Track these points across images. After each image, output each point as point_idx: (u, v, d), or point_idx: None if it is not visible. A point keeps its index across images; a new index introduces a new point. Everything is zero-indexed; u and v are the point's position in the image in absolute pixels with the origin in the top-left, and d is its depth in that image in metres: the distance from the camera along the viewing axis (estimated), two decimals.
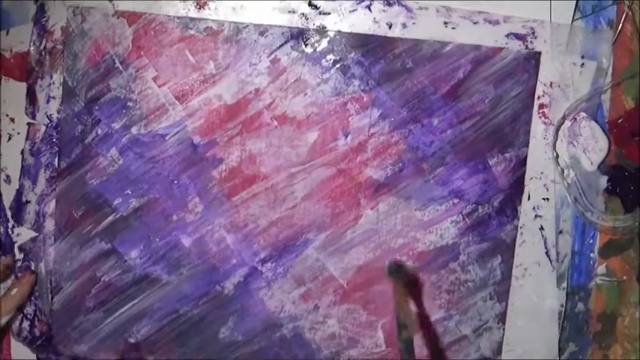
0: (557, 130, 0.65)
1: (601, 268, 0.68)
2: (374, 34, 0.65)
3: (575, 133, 0.65)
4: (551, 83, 0.65)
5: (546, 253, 0.67)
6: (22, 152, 0.67)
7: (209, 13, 0.66)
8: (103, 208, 0.67)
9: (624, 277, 0.68)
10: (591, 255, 0.68)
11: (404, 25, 0.65)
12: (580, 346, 0.69)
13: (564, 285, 0.67)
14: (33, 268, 0.68)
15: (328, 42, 0.65)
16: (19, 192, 0.68)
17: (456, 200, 0.66)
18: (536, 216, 0.67)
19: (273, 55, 0.66)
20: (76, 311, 0.69)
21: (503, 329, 0.68)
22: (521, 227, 0.67)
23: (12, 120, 0.67)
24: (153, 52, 0.66)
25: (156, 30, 0.66)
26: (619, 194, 0.67)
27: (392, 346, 0.69)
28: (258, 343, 0.69)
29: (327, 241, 0.67)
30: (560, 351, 0.68)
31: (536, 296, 0.67)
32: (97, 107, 0.66)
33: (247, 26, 0.65)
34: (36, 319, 0.69)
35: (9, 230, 0.68)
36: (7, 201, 0.68)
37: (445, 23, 0.65)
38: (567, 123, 0.65)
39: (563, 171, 0.66)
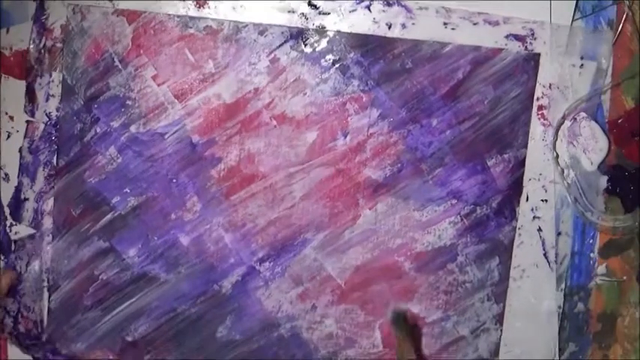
0: (557, 130, 0.65)
1: (601, 268, 0.68)
2: (373, 34, 0.65)
3: (575, 133, 0.65)
4: (550, 85, 0.65)
5: (544, 254, 0.67)
6: (21, 150, 0.67)
7: (209, 12, 0.66)
8: (102, 206, 0.67)
9: (624, 277, 0.68)
10: (591, 255, 0.68)
11: (403, 26, 0.65)
12: (580, 346, 0.69)
13: (563, 286, 0.67)
14: (29, 265, 0.69)
15: (328, 42, 0.65)
16: (18, 189, 0.68)
17: (454, 201, 0.66)
18: (534, 217, 0.66)
19: (272, 55, 0.65)
20: (74, 309, 0.69)
21: (501, 330, 0.68)
22: (519, 228, 0.67)
23: (11, 118, 0.67)
24: (152, 50, 0.66)
25: (155, 29, 0.66)
26: (619, 194, 0.66)
27: (389, 347, 0.69)
28: (255, 343, 0.69)
29: (325, 241, 0.67)
30: (560, 351, 0.68)
31: (533, 297, 0.67)
32: (96, 105, 0.66)
33: (247, 25, 0.65)
34: (20, 315, 0.69)
35: (7, 228, 0.68)
36: (6, 199, 0.68)
37: (445, 24, 0.65)
38: (567, 123, 0.65)
39: (563, 171, 0.66)
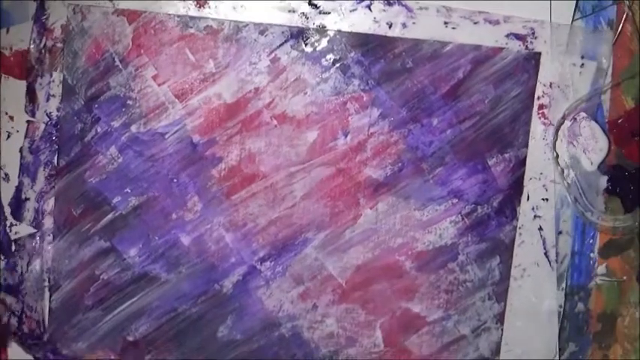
0: (557, 130, 0.65)
1: (601, 268, 0.68)
2: (374, 33, 0.65)
3: (575, 133, 0.65)
4: (550, 84, 0.65)
5: (545, 253, 0.67)
6: (21, 150, 0.67)
7: (209, 12, 0.66)
8: (102, 206, 0.67)
9: (624, 277, 0.68)
10: (591, 255, 0.68)
11: (404, 25, 0.65)
12: (580, 346, 0.69)
13: (564, 285, 0.67)
14: (30, 265, 0.69)
15: (328, 41, 0.65)
16: (18, 189, 0.68)
17: (455, 200, 0.66)
18: (535, 216, 0.66)
19: (273, 54, 0.66)
20: (75, 309, 0.69)
21: (502, 329, 0.68)
22: (520, 228, 0.67)
23: (11, 118, 0.67)
24: (153, 50, 0.66)
25: (156, 28, 0.66)
26: (619, 194, 0.66)
27: (390, 346, 0.69)
28: (256, 342, 0.69)
29: (326, 241, 0.67)
30: (560, 351, 0.68)
31: (534, 297, 0.67)
32: (96, 105, 0.66)
33: (247, 25, 0.65)
34: (24, 315, 0.69)
35: (7, 228, 0.68)
36: (6, 199, 0.68)
37: (445, 23, 0.65)
38: (567, 123, 0.65)
39: (563, 171, 0.66)
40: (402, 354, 0.69)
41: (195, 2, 0.66)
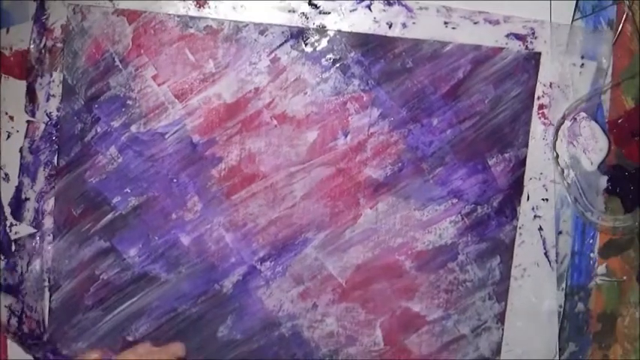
0: (557, 130, 0.65)
1: (601, 268, 0.68)
2: (374, 33, 0.65)
3: (575, 133, 0.65)
4: (550, 84, 0.65)
5: (545, 253, 0.67)
6: (21, 150, 0.67)
7: (209, 12, 0.66)
8: (102, 206, 0.67)
9: (624, 277, 0.68)
10: (591, 255, 0.68)
11: (404, 25, 0.65)
12: (580, 346, 0.69)
13: (564, 285, 0.67)
14: (30, 265, 0.69)
15: (328, 41, 0.65)
16: (18, 189, 0.68)
17: (455, 200, 0.66)
18: (535, 216, 0.67)
19: (273, 54, 0.66)
20: (75, 309, 0.69)
21: (502, 329, 0.68)
22: (520, 228, 0.67)
23: (11, 118, 0.67)
24: (152, 50, 0.66)
25: (156, 28, 0.66)
26: (619, 194, 0.66)
27: (390, 345, 0.69)
28: (256, 342, 0.69)
29: (326, 241, 0.67)
30: (560, 351, 0.68)
31: (534, 297, 0.67)
32: (96, 105, 0.66)
33: (247, 25, 0.65)
34: (24, 315, 0.69)
35: (7, 228, 0.68)
36: (6, 198, 0.68)
37: (445, 23, 0.65)
38: (567, 123, 0.65)
39: (563, 171, 0.66)
40: (401, 353, 0.69)
41: (195, 2, 0.66)
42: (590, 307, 0.69)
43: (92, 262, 0.68)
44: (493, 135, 0.66)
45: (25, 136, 0.67)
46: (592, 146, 0.65)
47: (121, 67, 0.66)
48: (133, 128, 0.66)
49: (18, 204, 0.68)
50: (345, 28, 0.65)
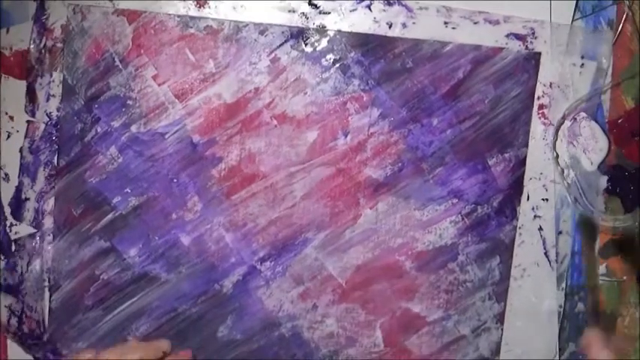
0: (557, 130, 0.65)
1: (601, 268, 0.68)
2: (374, 33, 0.65)
3: (575, 133, 0.65)
4: (550, 84, 0.65)
5: (545, 253, 0.67)
6: (21, 150, 0.67)
7: (209, 12, 0.66)
8: (102, 206, 0.67)
9: (624, 277, 0.68)
10: None
11: (404, 25, 0.65)
12: (580, 346, 0.69)
13: (564, 285, 0.67)
14: (30, 265, 0.69)
15: (328, 41, 0.65)
16: (18, 189, 0.68)
17: (455, 200, 0.66)
18: (535, 216, 0.67)
19: (273, 54, 0.66)
20: (75, 309, 0.69)
21: (502, 329, 0.68)
22: (520, 228, 0.67)
23: (11, 118, 0.67)
24: (153, 50, 0.66)
25: (156, 28, 0.66)
26: (619, 194, 0.66)
27: (390, 346, 0.69)
28: (256, 342, 0.69)
29: (326, 241, 0.67)
30: (560, 351, 0.68)
31: (534, 297, 0.67)
32: (96, 105, 0.67)
33: (247, 25, 0.65)
34: (24, 315, 0.69)
35: (7, 228, 0.68)
36: (6, 198, 0.68)
37: (445, 23, 0.65)
38: (567, 123, 0.65)
39: (563, 171, 0.66)
40: (402, 354, 0.69)
41: (195, 2, 0.66)
42: None
43: (92, 262, 0.68)
44: (493, 135, 0.66)
45: (25, 136, 0.67)
46: (592, 146, 0.65)
47: (121, 67, 0.66)
48: (133, 128, 0.66)
49: (18, 204, 0.68)
50: (345, 28, 0.65)
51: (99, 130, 0.67)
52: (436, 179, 0.66)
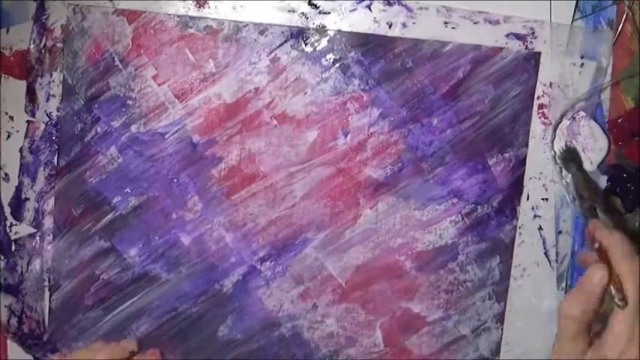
0: (555, 129, 0.65)
1: None
2: (374, 33, 0.65)
3: (575, 132, 0.65)
4: (550, 83, 0.65)
5: (545, 253, 0.67)
6: (21, 150, 0.67)
7: (209, 12, 0.66)
8: (102, 206, 0.67)
9: None
10: None
11: (404, 25, 0.65)
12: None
13: (564, 285, 0.67)
14: (30, 265, 0.69)
15: (328, 41, 0.65)
16: (18, 189, 0.68)
17: (455, 200, 0.66)
18: (535, 216, 0.66)
19: (272, 54, 0.66)
20: (75, 309, 0.69)
21: (502, 329, 0.68)
22: (520, 227, 0.67)
23: (11, 118, 0.67)
24: (152, 50, 0.66)
25: (155, 28, 0.66)
26: (619, 194, 0.66)
27: (390, 346, 0.69)
28: (256, 342, 0.69)
29: (326, 241, 0.67)
30: None
31: (534, 296, 0.67)
32: (96, 105, 0.67)
33: (247, 25, 0.65)
34: (24, 315, 0.69)
35: (7, 228, 0.68)
36: (6, 198, 0.68)
37: (445, 23, 0.65)
38: (566, 122, 0.65)
39: (561, 170, 0.66)
40: (402, 354, 0.69)
41: (195, 2, 0.66)
42: None
43: (92, 262, 0.68)
44: (493, 135, 0.66)
45: (25, 136, 0.67)
46: (591, 146, 0.65)
47: (121, 67, 0.66)
48: (133, 128, 0.67)
49: (18, 204, 0.68)
50: (345, 28, 0.65)
51: (99, 130, 0.67)
52: (436, 179, 0.66)
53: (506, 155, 0.66)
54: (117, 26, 0.66)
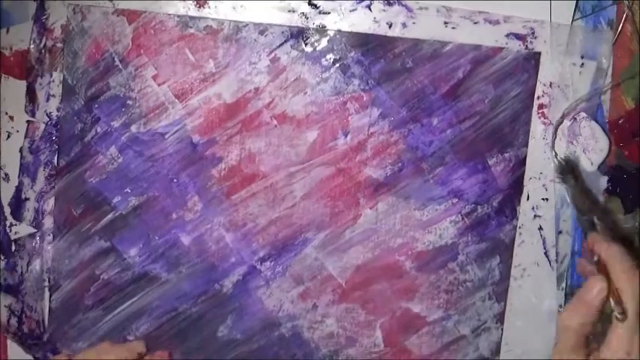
0: (555, 129, 0.65)
1: None
2: (374, 33, 0.65)
3: (575, 132, 0.65)
4: (550, 83, 0.65)
5: (545, 253, 0.67)
6: (21, 150, 0.67)
7: (209, 12, 0.66)
8: (103, 206, 0.67)
9: None
10: None
11: (404, 25, 0.65)
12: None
13: (564, 285, 0.67)
14: (30, 265, 0.69)
15: (328, 41, 0.65)
16: (18, 189, 0.68)
17: (455, 200, 0.66)
18: (535, 216, 0.66)
19: (272, 54, 0.66)
20: (75, 309, 0.69)
21: (502, 329, 0.68)
22: (520, 227, 0.67)
23: (11, 118, 0.67)
24: (152, 50, 0.66)
25: (155, 28, 0.66)
26: (619, 195, 0.66)
27: (390, 346, 0.69)
28: (256, 342, 0.69)
29: (326, 241, 0.67)
30: None
31: (534, 296, 0.67)
32: (96, 105, 0.67)
33: (247, 25, 0.65)
34: (24, 315, 0.69)
35: (7, 228, 0.68)
36: (6, 198, 0.68)
37: (445, 23, 0.65)
38: (566, 122, 0.65)
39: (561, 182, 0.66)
40: (402, 354, 0.69)
41: (195, 2, 0.66)
42: None
43: (92, 262, 0.68)
44: (493, 135, 0.66)
45: (25, 136, 0.67)
46: (592, 146, 0.65)
47: (121, 67, 0.66)
48: (133, 128, 0.67)
49: (18, 204, 0.68)
50: (345, 28, 0.65)
51: (99, 130, 0.67)
52: (436, 179, 0.66)
53: (506, 155, 0.66)
54: (117, 26, 0.66)
